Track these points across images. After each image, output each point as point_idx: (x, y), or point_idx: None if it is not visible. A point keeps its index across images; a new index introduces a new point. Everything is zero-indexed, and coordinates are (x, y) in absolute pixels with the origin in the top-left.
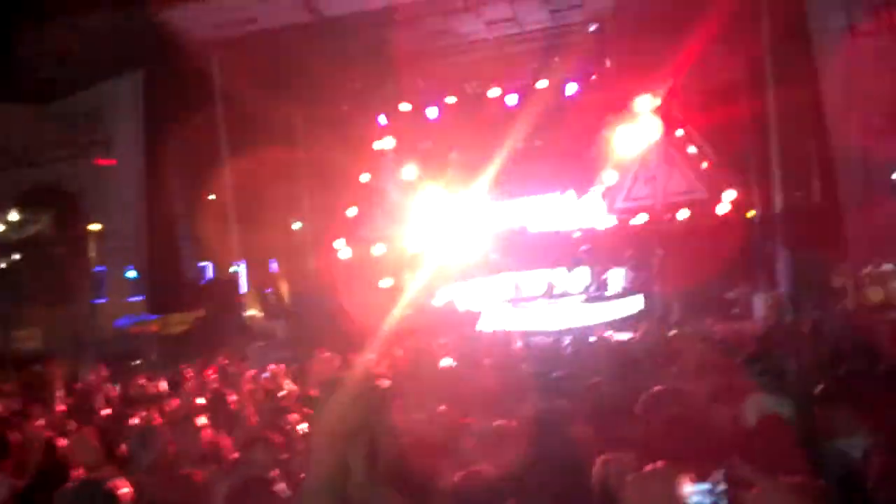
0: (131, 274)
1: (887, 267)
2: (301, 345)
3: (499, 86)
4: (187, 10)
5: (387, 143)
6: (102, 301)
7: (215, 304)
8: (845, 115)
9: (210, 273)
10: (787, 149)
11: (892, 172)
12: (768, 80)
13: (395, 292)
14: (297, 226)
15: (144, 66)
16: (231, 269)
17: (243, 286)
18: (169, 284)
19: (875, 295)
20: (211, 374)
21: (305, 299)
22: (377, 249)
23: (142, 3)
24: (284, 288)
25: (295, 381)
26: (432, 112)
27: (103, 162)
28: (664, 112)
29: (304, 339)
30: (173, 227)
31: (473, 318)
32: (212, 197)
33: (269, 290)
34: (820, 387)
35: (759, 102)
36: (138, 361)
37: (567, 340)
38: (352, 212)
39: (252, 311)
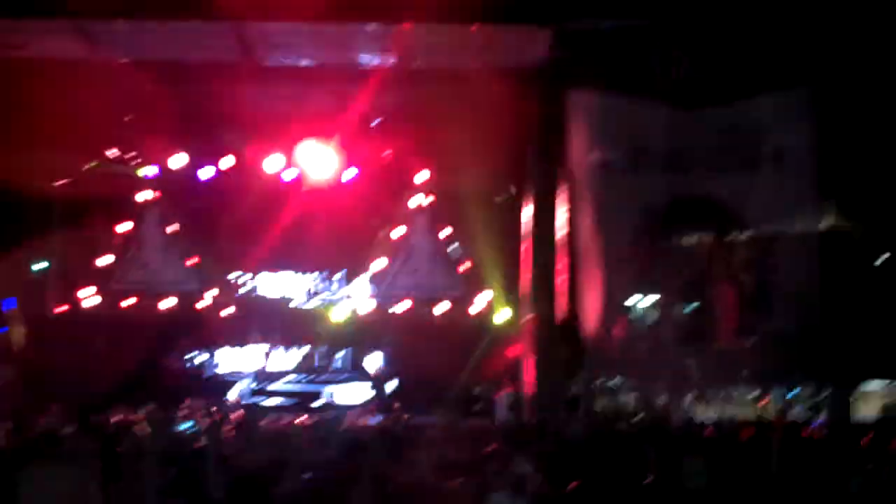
0: None
1: (616, 381)
2: (27, 394)
3: (278, 159)
4: None
5: (153, 196)
6: None
7: None
8: (591, 241)
9: None
10: (537, 263)
11: (627, 297)
12: (528, 198)
13: (142, 349)
14: (40, 266)
15: None
16: None
17: None
18: None
19: (604, 405)
20: None
21: (40, 346)
22: (127, 302)
23: None
24: (17, 331)
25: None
26: (206, 172)
27: None
28: (433, 209)
29: (33, 389)
30: None
31: (222, 386)
32: None
33: (3, 330)
34: (554, 489)
35: (518, 217)
36: None
37: (318, 423)
38: (105, 260)
39: None
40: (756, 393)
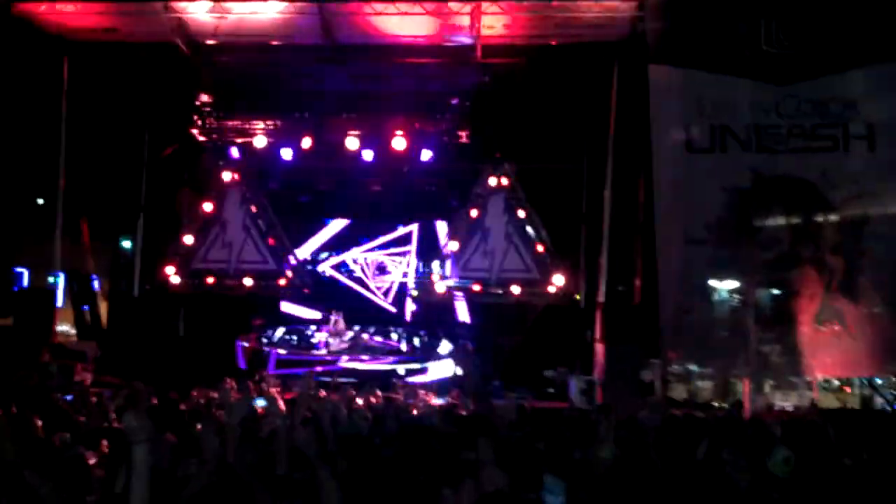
0: None
1: (692, 367)
2: (113, 371)
3: (357, 139)
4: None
5: (235, 176)
6: None
7: (25, 315)
8: (671, 222)
9: (25, 281)
10: (616, 246)
11: (707, 279)
12: (607, 178)
13: (222, 327)
14: (126, 244)
15: None
16: (48, 280)
17: (59, 299)
18: None
19: (679, 392)
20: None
21: (125, 324)
22: (210, 281)
23: None
24: (104, 308)
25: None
26: (287, 153)
27: None
28: (510, 192)
29: (119, 365)
30: None
31: (299, 365)
32: (40, 201)
33: (87, 308)
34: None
35: (597, 197)
36: None
37: (388, 403)
38: (188, 240)
39: (65, 327)
40: (839, 380)
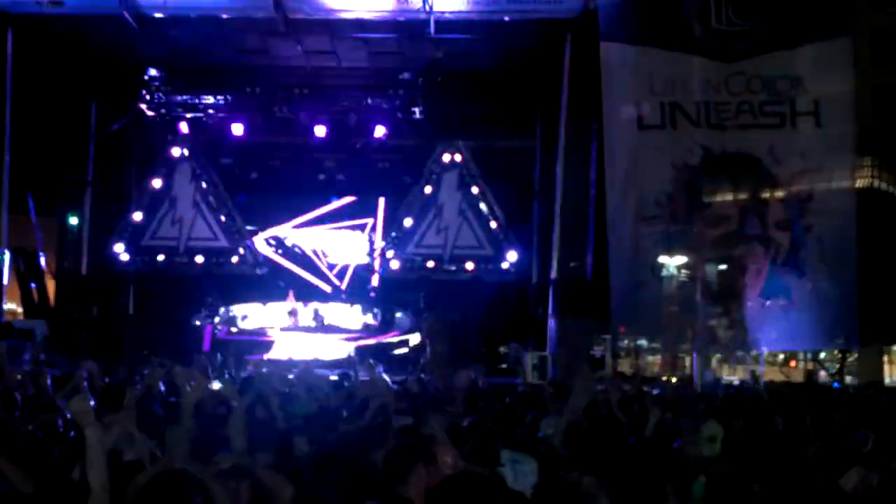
0: None
1: (641, 342)
2: (62, 349)
3: (309, 114)
4: None
5: (185, 152)
6: None
7: None
8: (622, 198)
9: None
10: (568, 222)
11: (657, 256)
12: (559, 155)
13: (172, 305)
14: (73, 220)
15: None
16: None
17: (5, 277)
18: None
19: (630, 366)
20: None
21: (75, 301)
22: (161, 258)
23: None
24: (51, 285)
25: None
26: (237, 128)
27: None
28: (463, 168)
29: (68, 344)
30: None
31: (251, 344)
32: None
33: (34, 285)
34: (569, 450)
35: (549, 174)
36: None
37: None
38: (137, 216)
39: (11, 305)
40: (784, 354)
